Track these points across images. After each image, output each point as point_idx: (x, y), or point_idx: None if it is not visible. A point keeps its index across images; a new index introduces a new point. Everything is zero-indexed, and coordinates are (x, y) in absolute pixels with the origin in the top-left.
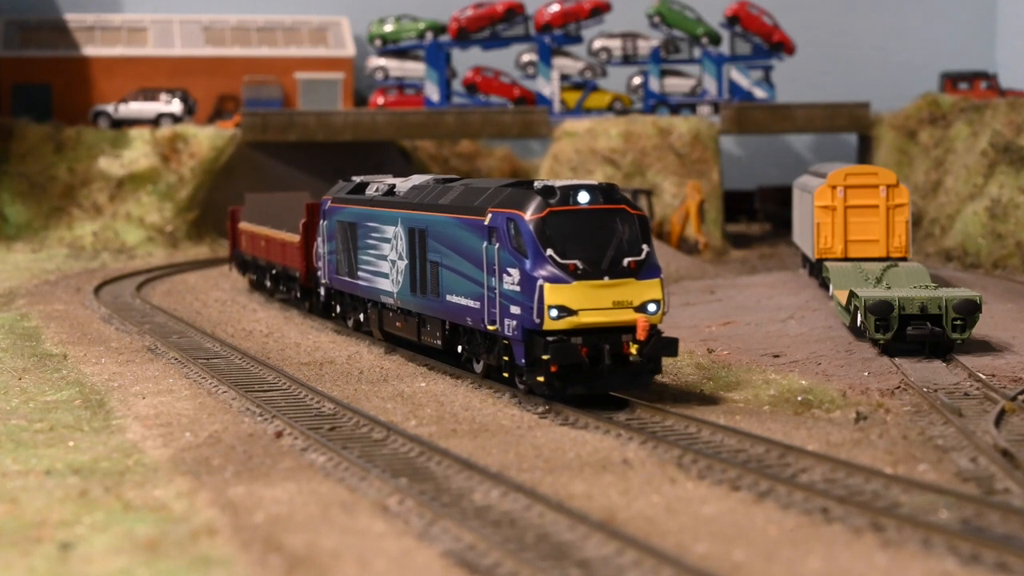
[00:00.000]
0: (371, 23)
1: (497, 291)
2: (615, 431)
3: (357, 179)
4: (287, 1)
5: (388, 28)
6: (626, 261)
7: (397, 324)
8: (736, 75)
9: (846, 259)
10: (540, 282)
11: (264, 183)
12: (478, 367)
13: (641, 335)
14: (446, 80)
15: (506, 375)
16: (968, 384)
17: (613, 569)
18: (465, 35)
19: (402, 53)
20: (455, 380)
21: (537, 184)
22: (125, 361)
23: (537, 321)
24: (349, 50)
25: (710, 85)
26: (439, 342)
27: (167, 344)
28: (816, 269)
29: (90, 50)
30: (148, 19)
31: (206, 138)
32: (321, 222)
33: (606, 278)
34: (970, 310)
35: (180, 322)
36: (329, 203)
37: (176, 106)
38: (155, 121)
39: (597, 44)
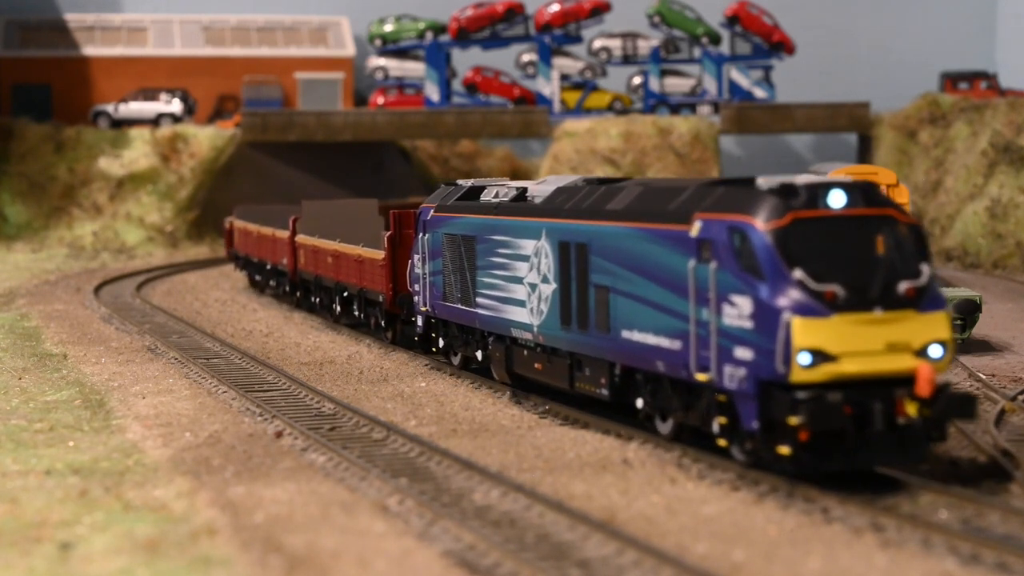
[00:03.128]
0: (371, 23)
1: (712, 326)
2: (615, 431)
3: (466, 183)
4: (287, 1)
5: (388, 28)
6: (903, 287)
7: (536, 365)
8: (736, 75)
9: None
10: (785, 315)
11: (264, 183)
12: (664, 427)
13: (924, 389)
14: (446, 80)
15: (723, 443)
16: (968, 384)
17: (613, 569)
18: (465, 35)
19: (402, 53)
20: (455, 380)
21: (764, 182)
22: (125, 361)
23: (781, 370)
24: (349, 50)
25: (710, 85)
26: (604, 391)
27: (167, 344)
28: None
29: (90, 50)
30: (148, 19)
31: (206, 138)
32: (419, 236)
33: (878, 310)
34: (970, 310)
35: (180, 322)
36: (432, 212)
37: (176, 106)
38: (155, 121)
39: (597, 44)
